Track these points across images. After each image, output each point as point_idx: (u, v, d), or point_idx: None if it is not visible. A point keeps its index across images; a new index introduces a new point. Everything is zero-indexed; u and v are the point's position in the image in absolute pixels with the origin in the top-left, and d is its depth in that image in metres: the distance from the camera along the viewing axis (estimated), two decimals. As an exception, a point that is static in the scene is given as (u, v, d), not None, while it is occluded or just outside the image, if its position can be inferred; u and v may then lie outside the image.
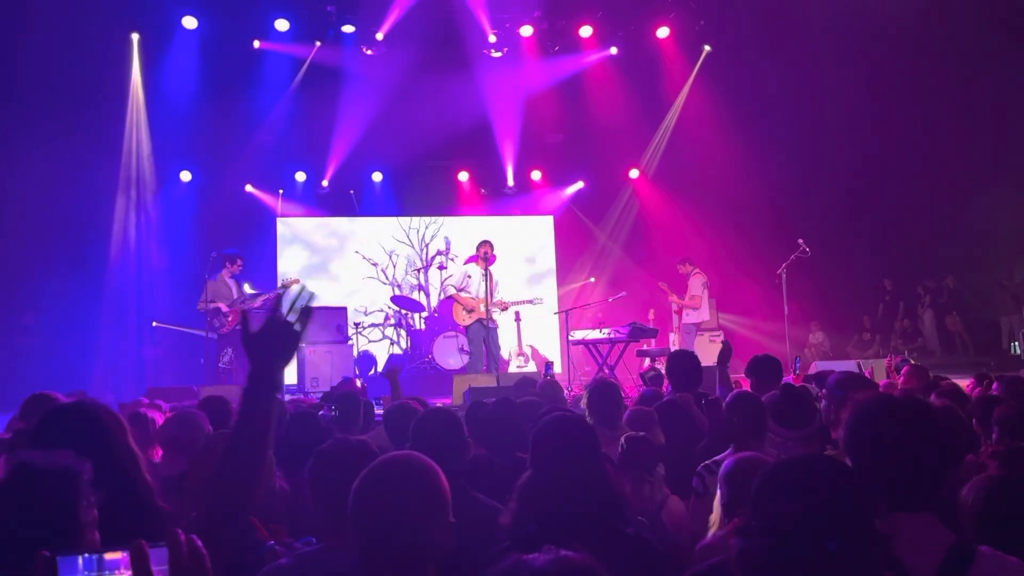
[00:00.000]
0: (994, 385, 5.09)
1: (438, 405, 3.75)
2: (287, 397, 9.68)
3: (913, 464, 1.87)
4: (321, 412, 4.34)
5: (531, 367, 11.36)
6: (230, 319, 9.59)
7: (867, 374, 7.61)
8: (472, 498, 2.76)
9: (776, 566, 1.45)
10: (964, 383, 6.10)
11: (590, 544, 2.12)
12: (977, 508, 2.18)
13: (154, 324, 11.37)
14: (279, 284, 10.15)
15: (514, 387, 6.37)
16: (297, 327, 1.77)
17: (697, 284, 10.72)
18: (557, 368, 11.32)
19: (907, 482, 1.87)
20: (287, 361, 1.83)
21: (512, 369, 10.98)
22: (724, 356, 5.32)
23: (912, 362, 7.79)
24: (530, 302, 10.55)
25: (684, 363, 5.01)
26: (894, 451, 1.88)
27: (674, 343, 11.13)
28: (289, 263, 13.16)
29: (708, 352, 10.90)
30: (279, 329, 1.77)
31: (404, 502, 1.70)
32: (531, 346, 12.46)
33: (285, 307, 1.78)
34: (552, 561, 1.21)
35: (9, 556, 1.46)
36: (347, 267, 13.41)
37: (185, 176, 12.63)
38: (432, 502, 1.74)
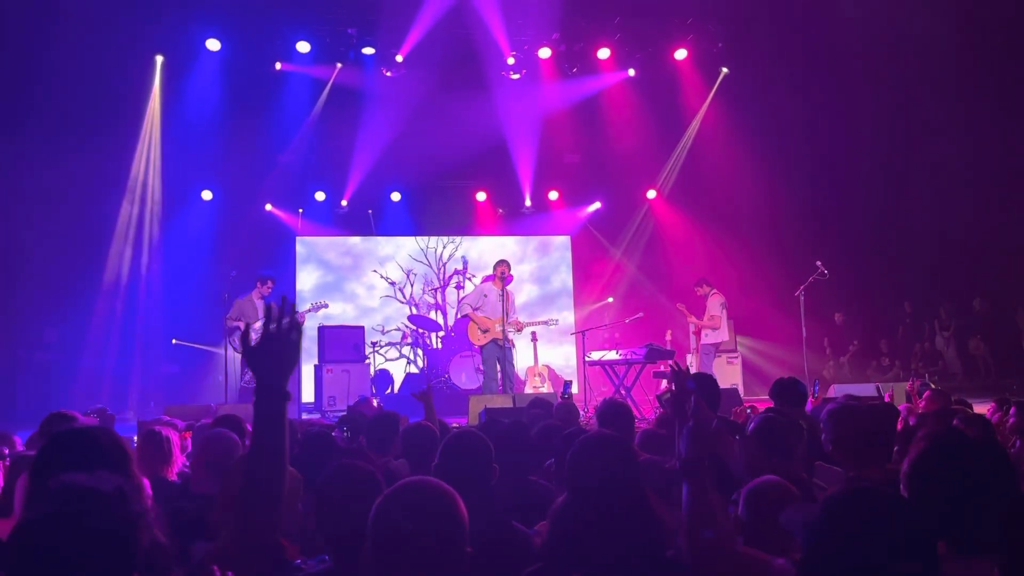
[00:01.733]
0: (1012, 410, 5.03)
1: (456, 426, 3.74)
2: (304, 416, 9.76)
3: (982, 505, 1.84)
4: (334, 433, 4.35)
5: (547, 387, 11.34)
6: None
7: (887, 397, 7.54)
8: (506, 523, 2.73)
9: None
10: (985, 408, 6.04)
11: (628, 567, 2.12)
12: None
13: (174, 342, 11.47)
14: (307, 306, 10.19)
15: (527, 407, 6.37)
16: (293, 336, 1.80)
17: (716, 304, 10.67)
18: (574, 388, 11.28)
19: (973, 524, 1.83)
20: (290, 370, 1.86)
21: (528, 390, 10.96)
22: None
23: (933, 386, 7.72)
24: (545, 323, 10.55)
25: (703, 386, 4.96)
26: (965, 490, 1.85)
27: (692, 364, 11.08)
28: (308, 282, 13.25)
29: (725, 374, 10.85)
30: (276, 340, 1.79)
31: (423, 527, 1.69)
32: (547, 366, 12.43)
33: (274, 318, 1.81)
34: None
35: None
36: (365, 286, 13.47)
37: (206, 195, 12.76)
38: (450, 529, 1.73)
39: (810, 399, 6.57)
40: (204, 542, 2.67)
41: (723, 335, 10.73)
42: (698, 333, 10.82)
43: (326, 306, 10.65)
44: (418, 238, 13.69)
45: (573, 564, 1.65)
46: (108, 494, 1.51)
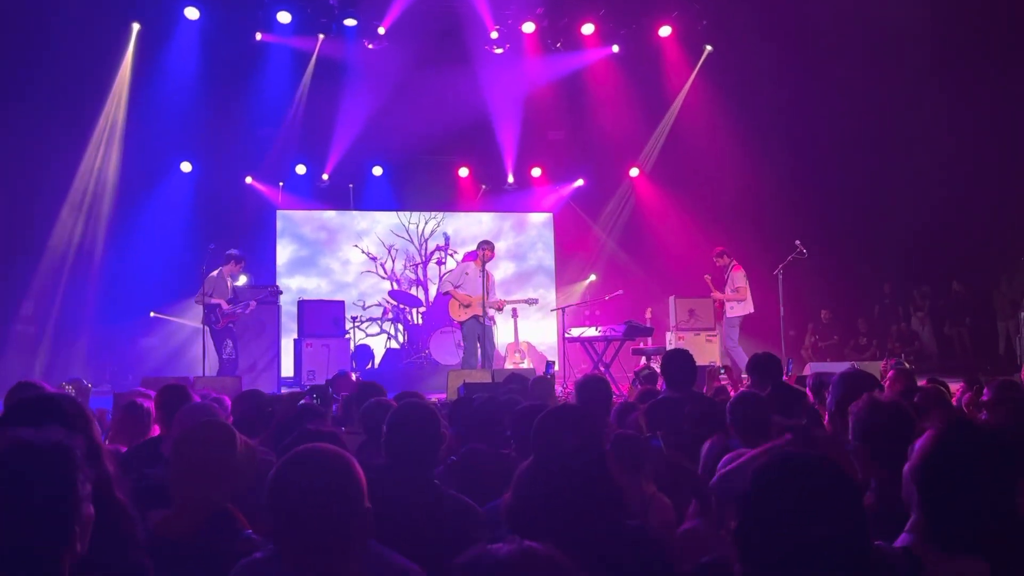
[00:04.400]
0: (984, 389, 5.10)
1: (416, 399, 3.75)
2: (284, 390, 9.75)
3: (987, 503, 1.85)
4: (302, 402, 4.38)
5: (527, 364, 11.38)
6: (226, 317, 9.71)
7: (887, 381, 7.60)
8: (444, 495, 2.76)
9: (769, 560, 1.47)
10: (957, 387, 6.13)
11: (591, 535, 2.15)
12: None
13: (152, 314, 11.40)
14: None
15: (504, 383, 6.41)
16: None
17: (740, 276, 10.46)
18: (555, 367, 11.34)
19: (975, 523, 1.84)
20: None
21: (508, 365, 11.00)
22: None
23: (906, 365, 7.83)
24: (526, 302, 10.56)
25: (679, 362, 5.01)
26: (974, 490, 1.85)
27: (719, 335, 10.91)
28: (283, 256, 13.19)
29: (704, 351, 10.90)
30: None
31: (314, 487, 1.73)
32: (527, 343, 12.47)
33: None
34: (516, 552, 1.22)
35: (9, 531, 1.46)
36: (340, 261, 13.43)
37: (185, 167, 12.62)
38: (342, 488, 1.76)
39: (784, 376, 6.64)
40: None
41: (748, 307, 10.48)
42: (720, 306, 10.62)
43: (280, 292, 10.88)
44: (400, 213, 13.63)
45: (534, 531, 1.67)
46: (44, 448, 1.55)
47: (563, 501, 2.19)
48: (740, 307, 10.44)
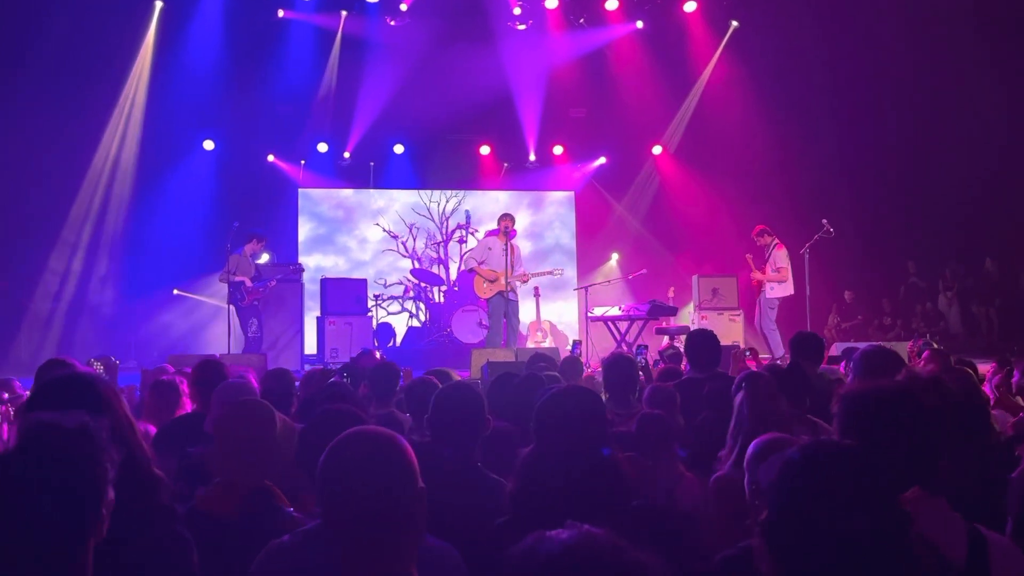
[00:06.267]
0: (1015, 370, 5.03)
1: (459, 379, 3.74)
2: (307, 367, 9.80)
3: (907, 448, 1.89)
4: (333, 379, 4.38)
5: (549, 342, 11.36)
6: (251, 295, 9.77)
7: (920, 361, 7.50)
8: (486, 476, 2.74)
9: (802, 553, 1.43)
10: (986, 368, 6.03)
11: (591, 517, 2.11)
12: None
13: (175, 292, 11.48)
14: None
15: (529, 362, 6.36)
16: None
17: (783, 256, 10.11)
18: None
19: (905, 465, 1.87)
20: None
21: (529, 344, 10.98)
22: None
23: (935, 346, 7.73)
24: (550, 273, 10.48)
25: (704, 342, 4.96)
26: (886, 437, 1.90)
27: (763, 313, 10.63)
28: (305, 233, 13.22)
29: (729, 331, 10.76)
30: None
31: (367, 468, 1.68)
32: (549, 322, 12.44)
33: None
34: (577, 536, 1.17)
35: (35, 514, 1.46)
36: (356, 239, 13.43)
37: (208, 145, 12.63)
38: (396, 469, 1.71)
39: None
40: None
41: (789, 289, 10.15)
42: (758, 286, 10.29)
43: (303, 269, 10.96)
44: (421, 191, 13.60)
45: (538, 515, 1.64)
46: (70, 429, 1.54)
47: (560, 485, 2.16)
48: (780, 288, 10.09)
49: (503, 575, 1.20)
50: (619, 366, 4.59)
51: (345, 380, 4.44)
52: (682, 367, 6.05)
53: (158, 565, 1.84)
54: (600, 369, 5.31)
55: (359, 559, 1.66)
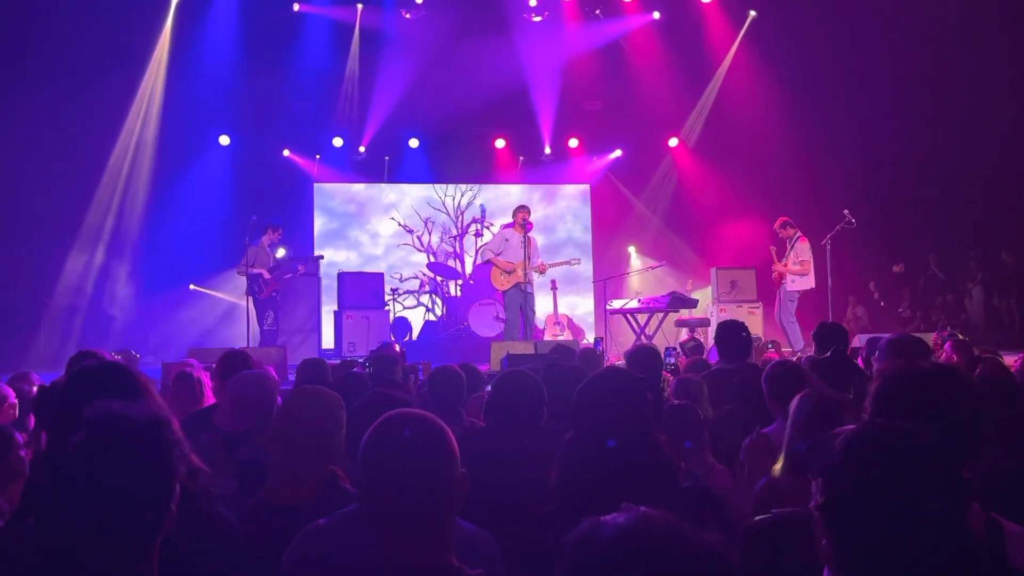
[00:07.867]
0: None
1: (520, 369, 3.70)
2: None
3: (949, 427, 1.82)
4: (355, 369, 4.38)
5: (566, 336, 11.31)
6: (269, 286, 9.75)
7: (944, 353, 7.39)
8: (539, 462, 2.70)
9: (864, 531, 1.39)
10: (1012, 360, 5.92)
11: (644, 502, 2.07)
12: None
13: (191, 287, 11.50)
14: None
15: (548, 354, 6.32)
16: None
17: (806, 249, 9.93)
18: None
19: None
20: None
21: (547, 338, 10.93)
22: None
23: (959, 336, 7.61)
24: (567, 263, 10.41)
25: (734, 333, 4.89)
26: (930, 415, 1.83)
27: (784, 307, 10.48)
28: (318, 228, 13.23)
29: (749, 324, 10.66)
30: None
31: (409, 450, 1.65)
32: (566, 316, 12.39)
33: None
34: (634, 520, 1.13)
35: (108, 509, 1.42)
36: (368, 233, 13.42)
37: (224, 140, 12.64)
38: (437, 452, 1.68)
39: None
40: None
41: (810, 282, 9.96)
42: (779, 279, 10.11)
43: (321, 257, 11.16)
44: (436, 185, 13.57)
45: (587, 500, 1.60)
46: (142, 423, 1.49)
47: (605, 469, 2.11)
48: (801, 281, 9.91)
49: (560, 563, 1.16)
50: (643, 356, 4.56)
51: (368, 370, 4.42)
52: (704, 357, 6.01)
53: (205, 549, 1.81)
54: (622, 361, 5.27)
55: (398, 542, 1.63)
